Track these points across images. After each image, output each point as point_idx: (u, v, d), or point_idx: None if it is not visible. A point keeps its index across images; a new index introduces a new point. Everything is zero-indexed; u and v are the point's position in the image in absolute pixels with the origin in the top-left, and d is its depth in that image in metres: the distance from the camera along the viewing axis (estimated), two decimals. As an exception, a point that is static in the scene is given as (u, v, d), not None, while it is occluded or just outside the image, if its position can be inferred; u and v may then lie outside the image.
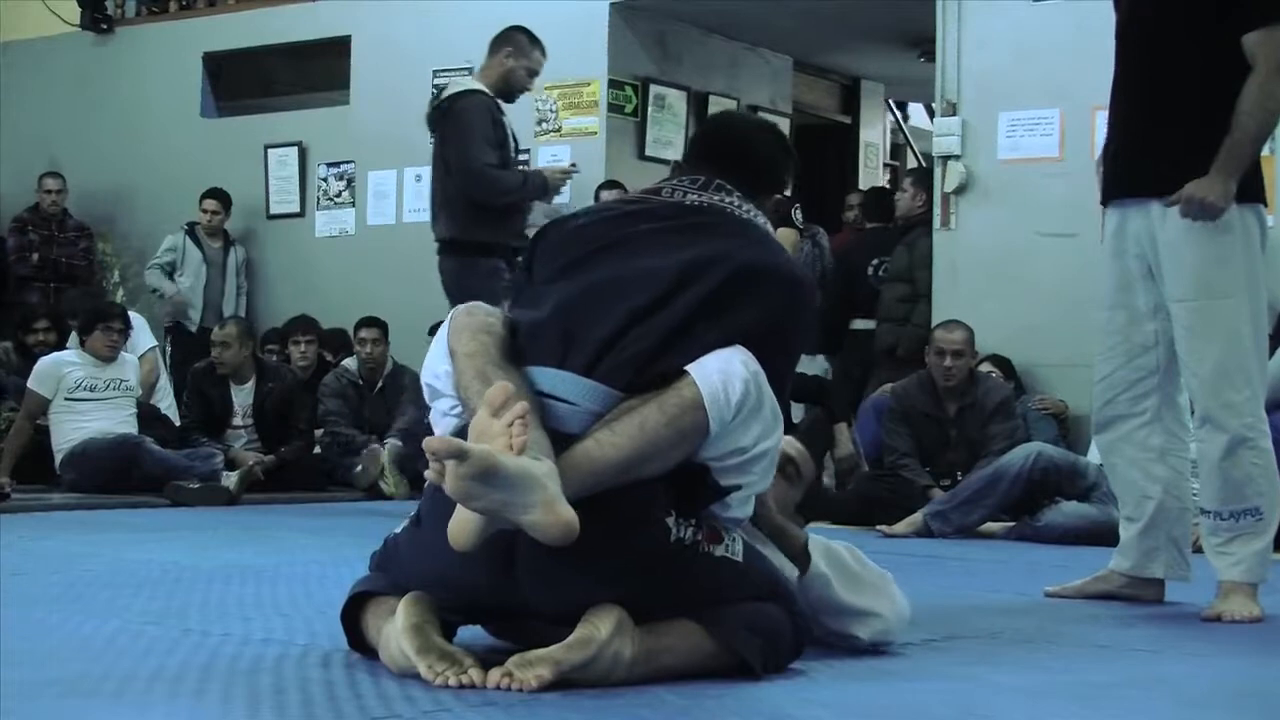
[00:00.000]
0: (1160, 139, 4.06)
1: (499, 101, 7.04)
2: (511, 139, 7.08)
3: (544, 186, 7.11)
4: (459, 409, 2.83)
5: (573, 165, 7.99)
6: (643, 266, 2.90)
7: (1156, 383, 4.16)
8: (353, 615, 2.95)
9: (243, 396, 8.93)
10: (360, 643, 2.94)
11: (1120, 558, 4.29)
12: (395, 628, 2.70)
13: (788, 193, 4.42)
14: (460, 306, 2.97)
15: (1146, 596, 4.26)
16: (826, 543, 3.17)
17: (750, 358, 2.77)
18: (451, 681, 2.59)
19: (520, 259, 3.19)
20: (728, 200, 3.07)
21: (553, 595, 2.69)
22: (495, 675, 2.58)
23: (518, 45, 7.14)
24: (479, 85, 7.04)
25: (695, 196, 3.07)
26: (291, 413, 8.98)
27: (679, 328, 2.81)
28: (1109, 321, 4.21)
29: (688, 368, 2.73)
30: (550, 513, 2.50)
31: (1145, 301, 4.13)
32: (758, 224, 3.09)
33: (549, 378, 2.81)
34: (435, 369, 2.92)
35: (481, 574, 2.68)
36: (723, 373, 2.72)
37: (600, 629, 2.61)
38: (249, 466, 8.40)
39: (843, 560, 3.15)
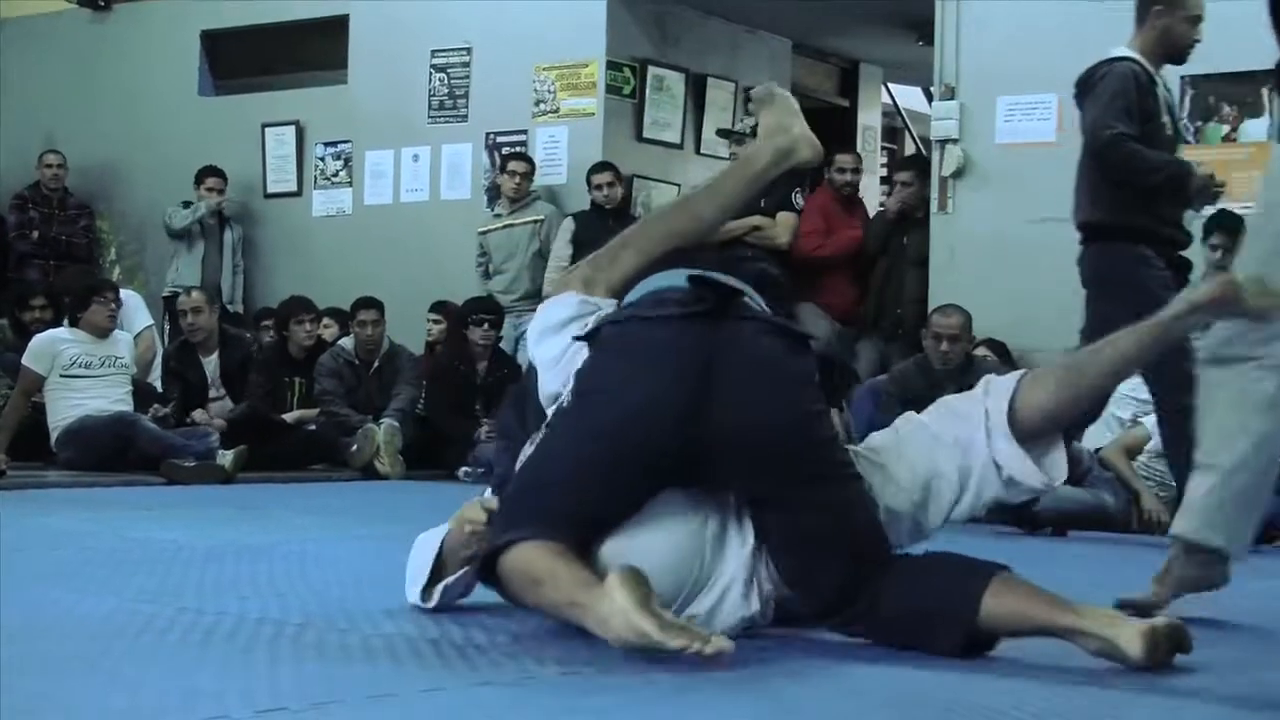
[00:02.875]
0: None
1: (1153, 69, 6.01)
2: (1168, 113, 6.07)
3: (1181, 183, 5.92)
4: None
5: (1217, 180, 6.12)
6: None
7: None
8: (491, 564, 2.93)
9: (212, 367, 9.07)
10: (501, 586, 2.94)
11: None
12: (619, 607, 2.63)
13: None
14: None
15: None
16: None
17: None
18: (707, 650, 2.59)
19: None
20: None
21: (742, 414, 2.85)
22: None
23: None
24: (1129, 52, 6.04)
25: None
26: (245, 375, 9.16)
27: None
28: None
29: None
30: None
31: None
32: None
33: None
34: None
35: (676, 399, 2.83)
36: None
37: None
38: (242, 449, 8.35)
39: None
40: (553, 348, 3.10)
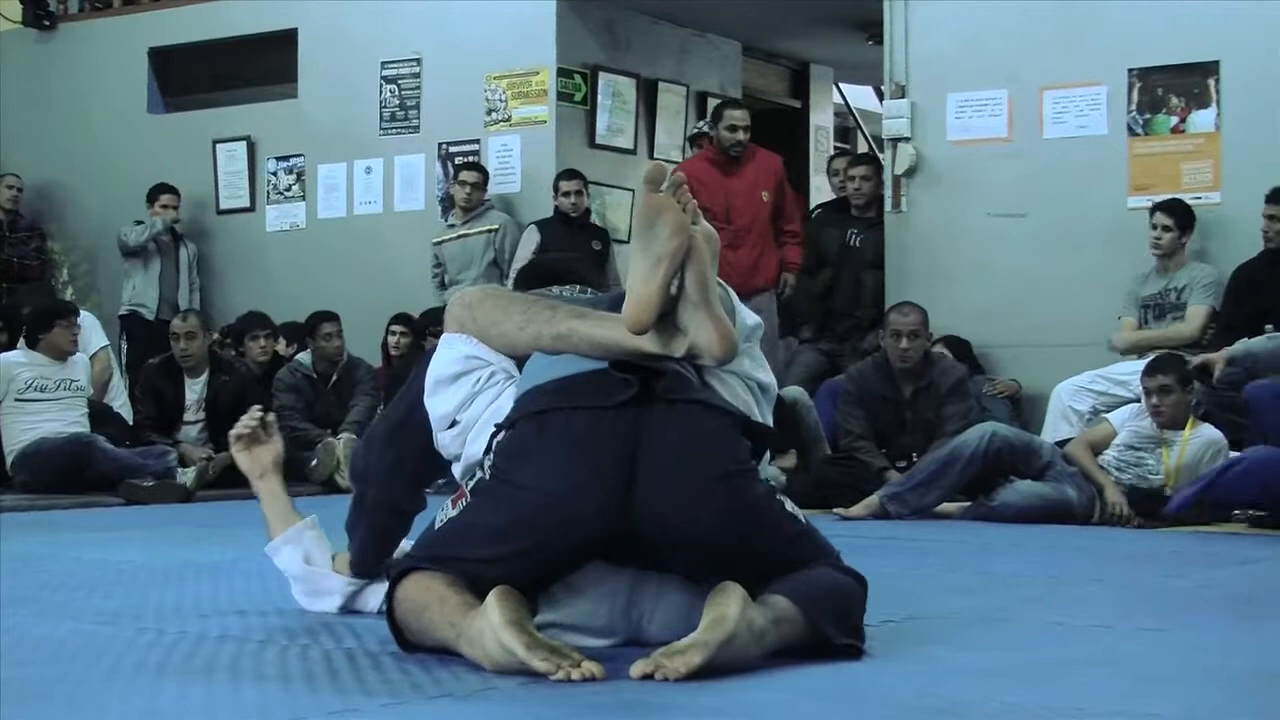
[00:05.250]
0: None
1: None
2: None
3: None
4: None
5: None
6: None
7: None
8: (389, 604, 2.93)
9: (196, 390, 8.90)
10: (401, 628, 2.90)
11: None
12: (491, 624, 2.64)
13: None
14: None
15: None
16: None
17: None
18: (574, 675, 2.57)
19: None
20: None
21: (668, 507, 2.76)
22: (641, 666, 2.61)
23: None
24: None
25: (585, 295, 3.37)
26: (246, 407, 8.93)
27: None
28: None
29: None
30: None
31: None
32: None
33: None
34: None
35: (599, 495, 2.75)
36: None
37: (729, 606, 2.67)
38: (203, 463, 8.37)
39: None
40: (445, 403, 3.08)
